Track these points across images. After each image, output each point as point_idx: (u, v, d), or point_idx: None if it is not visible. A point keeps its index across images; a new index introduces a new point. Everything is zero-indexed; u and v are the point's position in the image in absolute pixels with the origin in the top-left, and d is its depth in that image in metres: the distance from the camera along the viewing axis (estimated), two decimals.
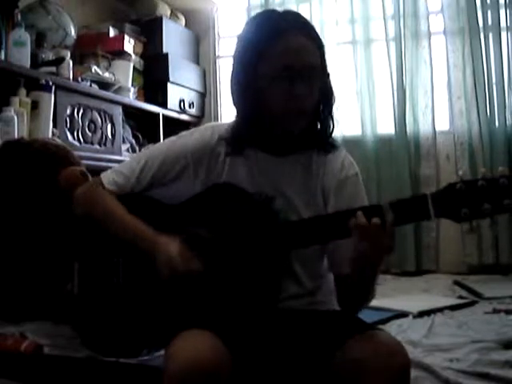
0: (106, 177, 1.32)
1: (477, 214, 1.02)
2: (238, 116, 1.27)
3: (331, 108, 1.25)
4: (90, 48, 2.96)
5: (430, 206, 1.04)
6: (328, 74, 1.24)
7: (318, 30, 1.23)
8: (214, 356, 1.00)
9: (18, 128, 2.20)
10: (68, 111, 2.57)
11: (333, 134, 1.28)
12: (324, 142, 1.26)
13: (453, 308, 2.03)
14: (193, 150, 1.27)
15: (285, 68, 1.15)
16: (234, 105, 1.26)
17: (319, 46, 1.20)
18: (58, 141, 2.17)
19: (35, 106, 2.32)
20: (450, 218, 1.04)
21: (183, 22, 3.63)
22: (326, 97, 1.24)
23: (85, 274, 1.34)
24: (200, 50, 3.72)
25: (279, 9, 1.27)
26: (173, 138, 1.33)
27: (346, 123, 3.25)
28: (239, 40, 1.25)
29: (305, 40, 1.17)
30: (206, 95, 3.69)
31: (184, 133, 1.34)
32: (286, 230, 1.15)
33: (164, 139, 3.14)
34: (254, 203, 1.21)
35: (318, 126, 1.26)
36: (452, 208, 1.03)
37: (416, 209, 1.06)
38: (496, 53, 2.95)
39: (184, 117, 3.49)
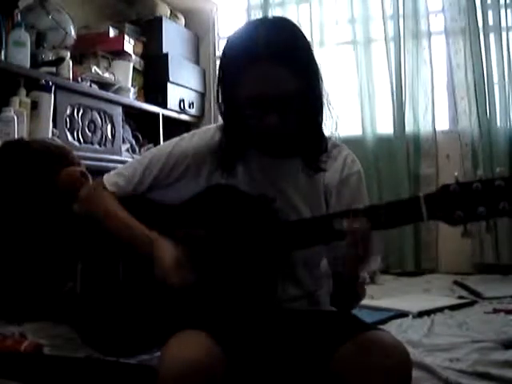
0: (108, 179, 1.33)
1: (471, 217, 0.99)
2: (223, 127, 1.26)
3: (318, 125, 1.23)
4: (89, 48, 2.96)
5: (423, 208, 1.02)
6: (313, 94, 1.18)
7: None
8: (208, 357, 1.00)
9: (18, 128, 2.20)
10: (68, 111, 2.57)
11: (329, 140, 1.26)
12: (314, 156, 1.24)
13: (453, 308, 2.03)
14: (194, 151, 1.28)
15: (252, 99, 1.13)
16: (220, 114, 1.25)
17: (299, 71, 1.13)
18: (58, 141, 2.17)
19: (35, 106, 2.32)
20: (443, 220, 1.02)
21: (183, 22, 3.64)
22: (310, 117, 1.20)
23: (87, 273, 1.34)
24: (200, 50, 3.72)
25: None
26: (174, 140, 1.33)
27: (346, 123, 3.25)
28: (221, 56, 1.21)
29: (276, 68, 1.10)
30: (205, 95, 3.69)
31: (186, 135, 1.34)
32: (283, 230, 1.14)
33: (164, 139, 3.19)
34: (254, 203, 1.20)
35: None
36: (445, 210, 1.01)
37: (408, 210, 1.04)
38: (497, 53, 2.95)
39: (184, 117, 3.49)
